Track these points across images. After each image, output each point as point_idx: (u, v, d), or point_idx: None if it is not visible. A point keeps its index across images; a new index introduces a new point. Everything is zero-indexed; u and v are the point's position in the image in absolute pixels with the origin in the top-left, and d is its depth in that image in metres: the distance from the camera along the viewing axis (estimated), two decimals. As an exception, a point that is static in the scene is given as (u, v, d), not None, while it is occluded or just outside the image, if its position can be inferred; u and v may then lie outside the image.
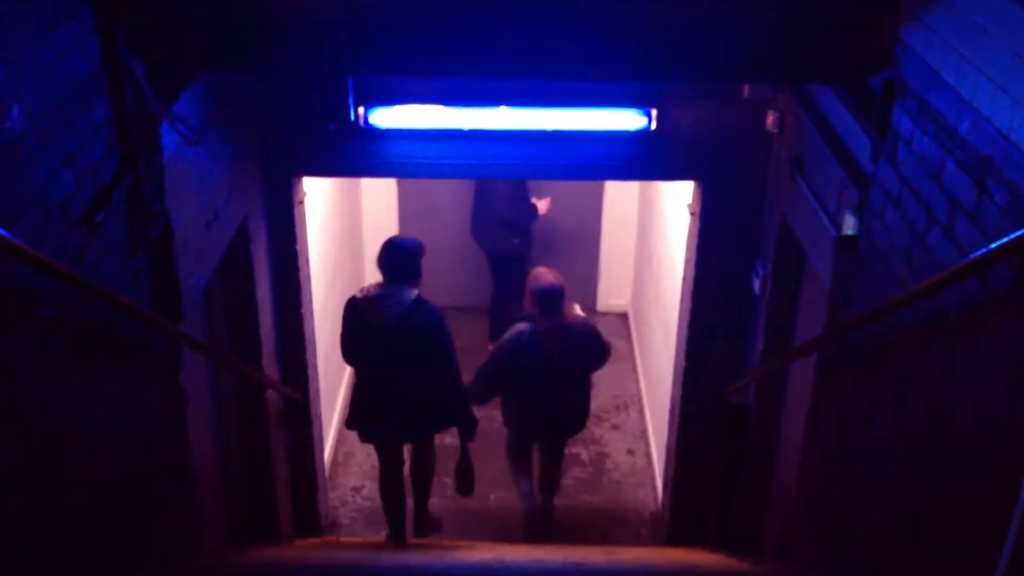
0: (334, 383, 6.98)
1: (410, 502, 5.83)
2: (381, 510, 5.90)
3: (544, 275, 5.51)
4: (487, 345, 7.49)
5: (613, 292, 8.77)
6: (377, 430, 5.36)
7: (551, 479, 6.10)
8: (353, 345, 5.20)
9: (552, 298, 5.41)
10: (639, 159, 4.95)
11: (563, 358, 5.47)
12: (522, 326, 5.52)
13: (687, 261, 5.35)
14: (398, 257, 5.04)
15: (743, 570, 4.95)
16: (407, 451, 5.70)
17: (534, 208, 7.62)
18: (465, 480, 5.59)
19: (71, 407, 2.71)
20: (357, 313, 5.09)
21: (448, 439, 6.95)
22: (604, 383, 7.82)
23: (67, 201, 2.70)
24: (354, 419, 5.35)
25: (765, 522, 5.15)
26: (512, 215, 7.52)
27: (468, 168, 5.16)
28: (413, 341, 4.99)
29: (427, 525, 5.84)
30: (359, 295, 5.09)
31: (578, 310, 5.86)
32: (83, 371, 2.80)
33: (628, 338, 8.46)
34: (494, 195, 7.51)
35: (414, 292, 5.02)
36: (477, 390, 5.55)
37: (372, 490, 6.57)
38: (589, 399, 5.81)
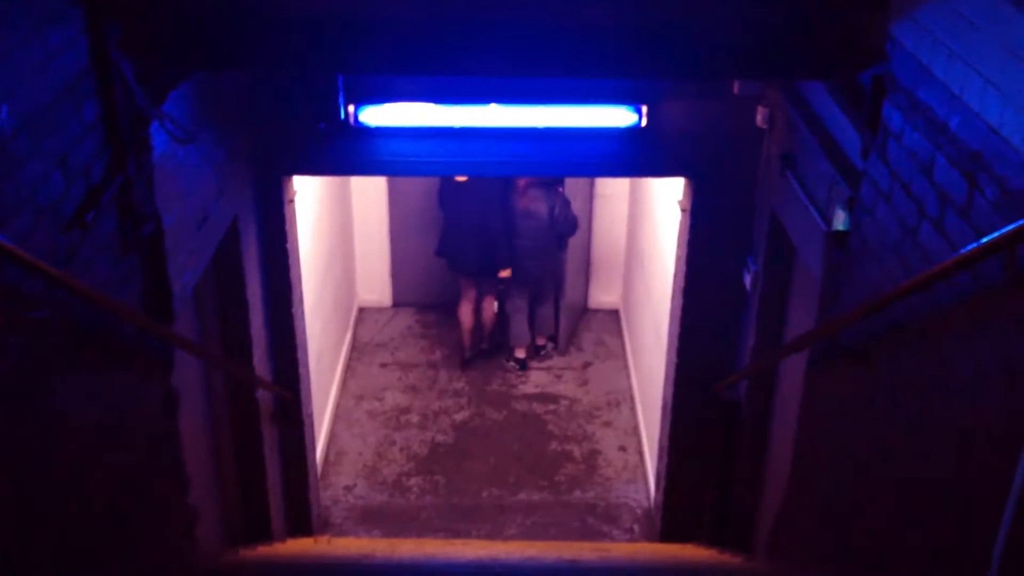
0: (326, 382, 6.97)
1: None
2: (373, 508, 6.37)
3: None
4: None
5: (604, 289, 8.77)
6: (457, 257, 7.62)
7: (536, 308, 8.04)
8: (445, 194, 7.45)
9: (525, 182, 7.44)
10: (630, 156, 4.95)
11: (523, 219, 7.46)
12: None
13: (678, 258, 5.36)
14: None
15: (736, 565, 4.97)
16: (471, 311, 7.81)
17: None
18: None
19: (62, 408, 2.70)
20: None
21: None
22: (596, 379, 7.84)
23: (58, 202, 2.69)
24: (442, 249, 7.67)
25: (757, 517, 5.16)
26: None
27: (458, 166, 5.17)
28: (483, 195, 7.29)
29: (494, 342, 8.07)
30: None
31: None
32: (74, 372, 2.79)
33: (619, 335, 8.46)
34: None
35: None
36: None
37: (364, 489, 6.58)
38: (552, 260, 7.76)
